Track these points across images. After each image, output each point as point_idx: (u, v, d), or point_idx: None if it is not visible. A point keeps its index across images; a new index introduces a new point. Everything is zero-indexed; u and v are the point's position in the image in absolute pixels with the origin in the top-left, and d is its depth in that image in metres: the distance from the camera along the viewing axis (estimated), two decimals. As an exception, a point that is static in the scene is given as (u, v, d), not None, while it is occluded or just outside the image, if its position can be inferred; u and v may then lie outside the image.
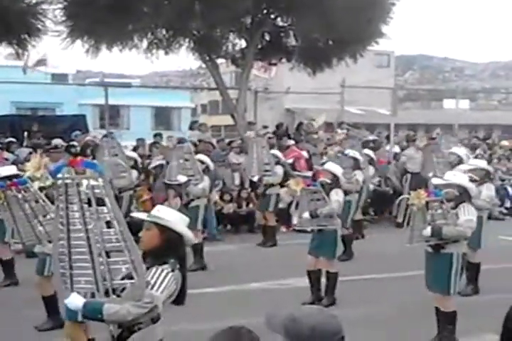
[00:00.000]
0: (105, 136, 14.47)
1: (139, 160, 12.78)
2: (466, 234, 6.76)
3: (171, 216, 4.37)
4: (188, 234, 4.40)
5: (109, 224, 4.14)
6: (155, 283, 4.04)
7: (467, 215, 6.75)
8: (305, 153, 15.57)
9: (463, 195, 6.90)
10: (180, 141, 14.10)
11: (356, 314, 7.87)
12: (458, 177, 7.10)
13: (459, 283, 7.02)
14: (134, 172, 12.19)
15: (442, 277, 6.75)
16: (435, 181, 7.76)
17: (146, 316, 4.02)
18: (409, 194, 6.98)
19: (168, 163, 11.92)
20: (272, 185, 12.54)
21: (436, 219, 6.73)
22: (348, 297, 8.58)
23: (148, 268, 4.13)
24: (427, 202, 6.74)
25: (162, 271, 4.11)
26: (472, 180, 8.91)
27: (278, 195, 12.71)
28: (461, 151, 11.47)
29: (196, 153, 11.86)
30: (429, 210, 6.75)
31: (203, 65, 19.36)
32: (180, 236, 4.34)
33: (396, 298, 8.57)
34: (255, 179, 12.61)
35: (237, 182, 14.61)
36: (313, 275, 8.61)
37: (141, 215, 4.48)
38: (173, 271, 4.16)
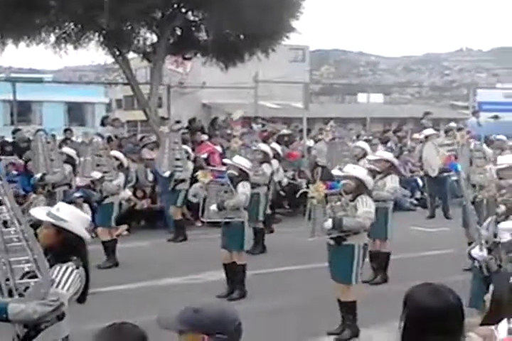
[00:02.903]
0: (39, 131, 14.20)
1: (74, 155, 12.51)
2: (365, 225, 6.90)
3: (69, 216, 4.30)
4: (84, 235, 4.34)
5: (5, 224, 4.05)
6: (60, 280, 4.01)
7: (365, 207, 6.89)
8: (219, 148, 15.61)
9: (360, 187, 7.02)
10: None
11: (267, 305, 8.02)
12: (356, 170, 7.23)
13: (363, 273, 7.16)
14: (68, 168, 11.97)
15: (345, 268, 6.89)
16: (335, 173, 7.91)
17: (53, 314, 3.96)
18: (307, 187, 7.07)
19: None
20: (182, 180, 12.50)
21: (336, 212, 6.83)
22: (259, 289, 8.67)
23: (51, 266, 4.06)
24: (327, 195, 6.84)
25: (67, 268, 4.08)
26: (377, 172, 9.16)
27: (187, 190, 12.68)
28: (365, 145, 11.72)
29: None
30: (329, 203, 6.85)
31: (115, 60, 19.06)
32: (78, 236, 4.28)
33: (306, 290, 8.69)
34: (166, 174, 12.54)
35: (150, 177, 14.49)
36: (229, 268, 8.68)
37: (39, 214, 4.39)
38: (77, 268, 4.13)
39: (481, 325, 3.44)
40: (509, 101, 26.47)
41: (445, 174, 14.29)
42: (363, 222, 6.85)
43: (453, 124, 18.68)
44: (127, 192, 13.13)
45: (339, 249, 6.94)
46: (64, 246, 4.20)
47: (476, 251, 5.60)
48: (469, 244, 9.59)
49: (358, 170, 7.26)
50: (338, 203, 6.86)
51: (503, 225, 5.59)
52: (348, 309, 7.07)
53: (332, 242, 6.98)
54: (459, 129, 16.94)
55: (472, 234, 5.90)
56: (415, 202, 16.79)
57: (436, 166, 14.56)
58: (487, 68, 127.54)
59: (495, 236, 5.64)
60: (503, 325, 3.33)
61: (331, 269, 7.11)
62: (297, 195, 12.03)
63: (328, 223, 6.81)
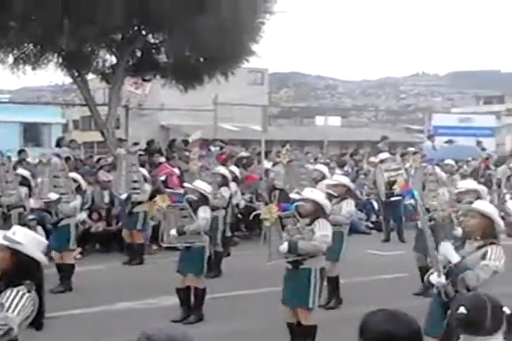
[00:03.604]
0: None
1: (30, 177, 12.34)
2: (321, 248, 6.91)
3: (25, 238, 4.26)
4: (40, 258, 4.30)
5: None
6: (10, 304, 3.95)
7: (322, 230, 6.91)
8: (177, 170, 15.58)
9: (318, 211, 7.06)
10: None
11: (223, 329, 8.02)
12: (314, 193, 7.28)
13: (320, 297, 7.18)
14: (24, 190, 11.79)
15: (302, 292, 6.88)
16: (293, 196, 7.96)
17: (2, 339, 3.90)
18: (260, 210, 7.09)
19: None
20: (140, 202, 12.44)
21: (292, 235, 6.84)
22: (216, 313, 8.64)
23: (2, 290, 4.01)
24: (280, 217, 6.87)
25: (17, 292, 4.02)
26: (333, 196, 9.24)
27: (146, 212, 12.62)
28: (324, 168, 11.82)
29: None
30: (286, 226, 6.88)
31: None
32: (34, 260, 4.24)
33: (262, 314, 8.67)
34: (123, 197, 12.48)
35: (106, 200, 14.39)
36: (183, 293, 8.63)
37: None
38: (29, 291, 4.07)
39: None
40: (464, 125, 27.03)
41: (399, 197, 14.48)
42: (319, 245, 6.86)
43: (411, 149, 18.96)
44: (83, 215, 13.00)
45: (296, 273, 6.94)
46: (18, 270, 4.15)
47: (435, 277, 5.64)
48: (420, 268, 9.80)
49: (317, 194, 7.30)
50: (294, 226, 6.87)
51: (441, 248, 5.64)
52: (308, 333, 7.05)
53: (289, 266, 6.99)
54: (415, 153, 17.22)
55: (431, 260, 5.94)
56: (371, 225, 16.93)
57: (383, 190, 14.82)
58: (442, 92, 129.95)
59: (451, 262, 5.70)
60: None
61: (284, 293, 7.09)
62: (251, 218, 12.08)
63: (284, 246, 6.80)
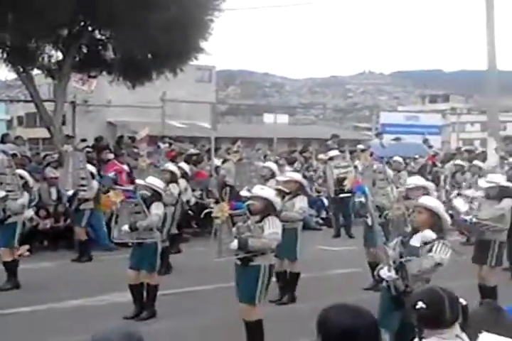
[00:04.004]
0: None
1: None
2: (271, 245, 6.92)
3: None
4: None
5: None
6: None
7: (272, 228, 6.90)
8: (126, 167, 15.44)
9: (268, 208, 7.05)
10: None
11: (177, 325, 7.98)
12: (264, 190, 7.28)
13: (268, 293, 7.18)
14: None
15: (249, 288, 6.88)
16: (243, 194, 7.94)
17: None
18: (211, 208, 7.07)
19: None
20: (86, 200, 12.31)
21: (241, 232, 6.84)
22: (168, 309, 8.58)
23: None
24: (231, 215, 6.87)
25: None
26: (285, 193, 9.26)
27: (92, 209, 12.48)
28: (273, 165, 11.85)
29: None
30: (236, 223, 6.88)
31: (18, 77, 18.65)
32: None
33: (213, 310, 8.67)
34: (69, 193, 12.32)
35: (54, 196, 14.17)
36: (136, 289, 8.57)
37: None
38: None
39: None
40: (410, 123, 27.45)
41: (348, 194, 14.60)
42: (269, 242, 6.86)
43: (360, 146, 19.15)
44: (30, 212, 12.76)
45: (245, 270, 6.94)
46: None
47: (385, 272, 5.73)
48: (369, 263, 9.93)
49: (266, 191, 7.29)
50: (244, 224, 6.87)
51: (425, 232, 5.80)
52: (254, 329, 7.07)
53: (239, 262, 7.00)
54: (363, 150, 17.39)
55: (380, 255, 6.03)
56: (321, 221, 17.05)
57: (332, 187, 14.95)
58: (388, 91, 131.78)
59: (401, 256, 5.80)
60: None
61: (237, 290, 7.11)
62: (202, 215, 12.04)
63: (234, 244, 6.80)
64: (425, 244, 5.73)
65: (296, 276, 9.45)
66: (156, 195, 8.80)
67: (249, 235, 6.82)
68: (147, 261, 8.47)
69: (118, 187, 13.37)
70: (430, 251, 5.69)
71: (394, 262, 5.76)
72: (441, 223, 5.89)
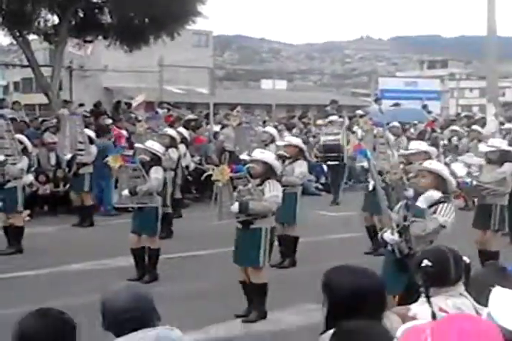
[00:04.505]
0: None
1: None
2: (271, 208, 6.96)
3: None
4: None
5: None
6: None
7: (273, 191, 6.93)
8: (124, 132, 15.38)
9: (268, 172, 7.06)
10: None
11: (177, 289, 8.02)
12: (264, 154, 7.28)
13: (271, 257, 7.22)
14: None
15: (252, 251, 6.94)
16: (243, 157, 7.92)
17: None
18: (212, 170, 7.07)
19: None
20: (85, 164, 12.27)
21: (242, 195, 6.85)
22: (169, 273, 8.65)
23: None
24: (232, 178, 6.87)
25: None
26: (285, 157, 9.25)
27: (91, 174, 12.46)
28: (273, 130, 11.80)
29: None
30: (237, 186, 6.88)
31: (14, 42, 18.47)
32: None
33: (214, 274, 8.71)
34: (68, 157, 12.28)
35: (53, 161, 14.14)
36: (137, 253, 8.63)
37: None
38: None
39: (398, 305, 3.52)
40: (409, 89, 27.32)
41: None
42: (269, 205, 6.89)
43: (359, 112, 19.06)
44: (29, 177, 12.73)
45: (247, 233, 6.98)
46: None
47: (388, 235, 5.76)
48: (367, 228, 9.97)
49: (267, 155, 7.29)
50: (245, 187, 6.88)
51: (429, 192, 5.80)
52: (259, 291, 7.12)
53: (240, 226, 7.02)
54: (362, 116, 17.31)
55: (383, 218, 6.05)
56: (320, 186, 17.06)
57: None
58: (386, 57, 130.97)
59: (405, 219, 5.81)
60: (423, 308, 3.41)
61: (236, 253, 7.13)
62: (202, 178, 12.03)
63: (235, 207, 6.83)
64: (430, 206, 5.74)
65: (295, 240, 9.49)
66: (156, 159, 8.79)
67: (250, 198, 6.84)
68: (148, 225, 8.51)
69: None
70: (435, 212, 5.71)
71: (397, 225, 5.77)
72: (446, 186, 5.91)
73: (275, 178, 7.14)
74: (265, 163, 7.07)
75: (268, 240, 7.02)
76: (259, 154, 7.26)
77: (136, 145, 10.39)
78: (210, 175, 7.10)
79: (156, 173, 8.63)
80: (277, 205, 7.07)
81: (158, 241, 8.70)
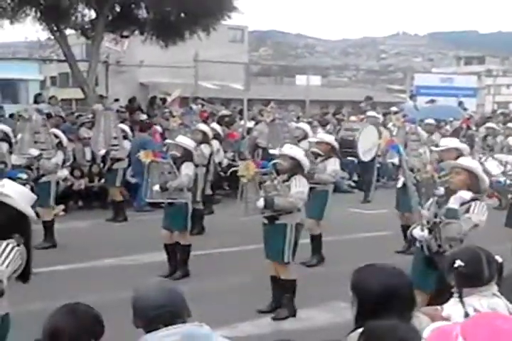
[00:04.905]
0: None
1: (11, 133, 12.15)
2: (297, 204, 6.94)
3: (14, 192, 4.21)
4: (29, 212, 4.26)
5: None
6: (0, 257, 3.91)
7: (298, 187, 6.92)
8: (159, 128, 15.47)
9: (296, 167, 7.05)
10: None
11: (208, 285, 8.06)
12: (293, 149, 7.25)
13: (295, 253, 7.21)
14: (5, 145, 11.62)
15: (277, 246, 6.96)
16: (271, 152, 7.90)
17: None
18: (230, 166, 7.08)
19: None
20: (119, 159, 12.35)
21: (268, 191, 6.86)
22: (200, 270, 8.69)
23: None
24: (257, 173, 6.87)
25: (7, 245, 3.99)
26: (318, 155, 9.22)
27: (124, 169, 12.53)
28: (306, 126, 11.76)
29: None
30: (263, 182, 6.88)
31: (52, 36, 18.67)
32: (23, 213, 4.20)
33: (246, 270, 8.72)
34: (102, 153, 12.37)
35: (88, 157, 14.28)
36: (170, 249, 8.69)
37: None
38: (18, 245, 4.04)
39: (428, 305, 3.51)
40: (445, 85, 27.02)
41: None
42: (294, 201, 6.88)
43: (393, 108, 18.93)
44: (64, 172, 12.86)
45: (272, 228, 6.99)
46: (7, 223, 4.10)
47: (418, 231, 5.71)
48: (402, 226, 9.88)
49: (295, 150, 7.26)
50: (270, 182, 6.87)
51: (460, 192, 5.70)
52: (288, 287, 7.13)
53: (266, 221, 7.03)
54: (396, 113, 17.19)
55: (414, 215, 6.00)
56: (353, 184, 16.97)
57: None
58: (422, 53, 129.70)
59: (435, 216, 5.75)
60: (456, 308, 3.39)
61: (265, 248, 7.15)
62: (228, 173, 12.04)
63: (260, 202, 6.83)
64: (462, 204, 5.66)
65: (319, 237, 9.45)
66: (187, 155, 8.79)
67: (276, 194, 6.84)
68: (178, 221, 8.54)
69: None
70: (467, 211, 5.63)
71: (428, 222, 5.72)
72: (479, 184, 5.81)
73: (302, 174, 7.13)
74: (293, 159, 7.06)
75: (293, 236, 7.02)
76: (287, 149, 7.24)
77: (167, 140, 10.41)
78: (237, 171, 7.11)
79: (187, 169, 8.64)
80: (303, 201, 7.07)
81: (188, 237, 8.73)
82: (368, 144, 14.28)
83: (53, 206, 10.68)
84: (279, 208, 6.86)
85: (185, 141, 9.01)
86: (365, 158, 14.26)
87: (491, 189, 10.33)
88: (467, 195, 5.66)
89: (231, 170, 7.53)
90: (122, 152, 12.34)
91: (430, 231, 5.68)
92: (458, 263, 3.46)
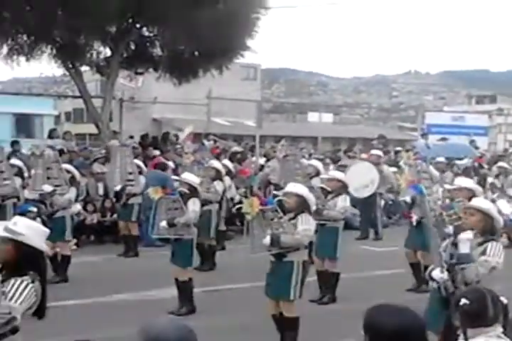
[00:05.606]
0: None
1: (24, 168, 12.30)
2: (303, 242, 6.95)
3: (26, 229, 4.24)
4: (43, 248, 4.29)
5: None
6: (14, 294, 3.94)
7: (305, 225, 6.93)
8: (171, 164, 15.57)
9: (302, 205, 7.05)
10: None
11: (216, 322, 7.95)
12: (297, 187, 7.26)
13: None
14: (18, 180, 11.75)
15: (284, 284, 6.92)
16: (275, 192, 7.93)
17: (5, 328, 3.88)
18: (241, 203, 7.09)
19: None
20: (135, 194, 12.43)
21: (275, 228, 6.87)
22: (209, 306, 8.65)
23: (5, 280, 4.00)
24: (262, 211, 6.89)
25: (21, 282, 4.02)
26: (328, 191, 9.25)
27: (140, 204, 12.61)
28: (318, 163, 11.81)
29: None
30: (270, 219, 6.90)
31: (67, 73, 18.93)
32: (38, 250, 4.23)
33: (255, 307, 8.64)
34: (117, 188, 12.46)
35: (101, 191, 14.37)
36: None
37: None
38: (33, 282, 4.07)
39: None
40: (456, 124, 27.10)
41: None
42: (300, 239, 6.88)
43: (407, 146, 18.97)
44: (78, 206, 12.95)
45: (279, 265, 6.97)
46: (21, 260, 4.13)
47: (438, 273, 5.66)
48: (411, 264, 9.84)
49: (300, 188, 7.27)
50: (276, 220, 6.89)
51: (461, 236, 5.67)
52: (291, 325, 7.08)
53: (273, 258, 7.03)
54: (407, 151, 17.22)
55: (432, 256, 5.97)
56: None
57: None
58: (434, 91, 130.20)
59: (451, 258, 5.72)
60: None
61: (267, 286, 7.12)
62: (233, 211, 12.06)
63: (267, 240, 6.84)
64: (479, 244, 5.62)
65: (336, 276, 9.41)
66: (192, 191, 8.86)
67: (282, 231, 6.85)
68: (183, 257, 8.53)
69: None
70: (484, 253, 5.59)
71: (446, 263, 5.69)
72: (494, 224, 5.79)
73: (309, 211, 7.13)
74: (299, 196, 7.07)
75: (300, 273, 7.00)
76: (292, 187, 7.25)
77: (173, 177, 10.48)
78: (241, 208, 7.13)
79: (194, 205, 8.70)
80: (309, 239, 7.09)
81: (189, 273, 8.64)
82: (362, 181, 14.30)
83: (70, 239, 10.72)
84: (286, 245, 6.85)
85: (190, 177, 9.09)
86: (359, 194, 14.25)
87: (503, 228, 10.29)
88: (469, 235, 5.64)
89: (236, 207, 7.55)
90: (138, 187, 12.44)
91: (448, 272, 5.65)
92: (463, 301, 3.47)
